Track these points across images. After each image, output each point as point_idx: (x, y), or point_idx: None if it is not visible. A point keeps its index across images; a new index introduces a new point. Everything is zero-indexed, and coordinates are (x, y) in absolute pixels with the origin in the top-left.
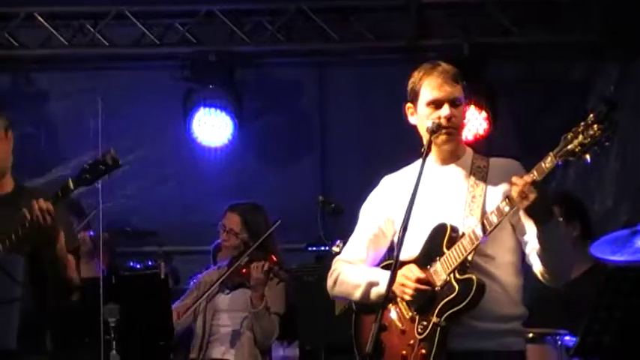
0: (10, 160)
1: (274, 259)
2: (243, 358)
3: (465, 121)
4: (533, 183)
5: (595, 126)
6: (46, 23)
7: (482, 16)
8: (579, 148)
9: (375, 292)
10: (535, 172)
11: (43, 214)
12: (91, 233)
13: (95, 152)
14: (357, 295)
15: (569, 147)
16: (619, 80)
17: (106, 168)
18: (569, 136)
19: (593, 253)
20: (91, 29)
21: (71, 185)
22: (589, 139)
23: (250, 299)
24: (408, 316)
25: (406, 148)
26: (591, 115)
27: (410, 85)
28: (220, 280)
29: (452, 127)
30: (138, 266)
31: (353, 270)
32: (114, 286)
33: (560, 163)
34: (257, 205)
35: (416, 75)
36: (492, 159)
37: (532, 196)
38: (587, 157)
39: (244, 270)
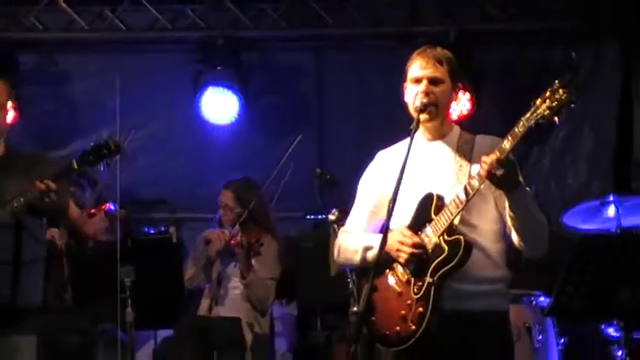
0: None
1: (253, 233)
2: (246, 317)
3: (453, 103)
4: (499, 161)
5: (560, 91)
6: (68, 9)
7: (469, 4)
8: (548, 111)
9: (370, 255)
10: (509, 137)
11: (46, 194)
12: (111, 208)
13: (113, 127)
14: (357, 259)
15: (539, 111)
16: (593, 65)
17: (109, 152)
18: (537, 102)
19: (566, 222)
20: (110, 14)
21: (75, 165)
22: (556, 103)
23: (240, 273)
24: (404, 279)
25: (397, 125)
26: (556, 81)
27: (407, 67)
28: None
29: (430, 104)
30: (151, 231)
31: (352, 238)
32: (129, 249)
33: (532, 125)
34: (250, 180)
35: (410, 58)
36: (478, 135)
37: (499, 172)
38: (556, 119)
39: (233, 241)
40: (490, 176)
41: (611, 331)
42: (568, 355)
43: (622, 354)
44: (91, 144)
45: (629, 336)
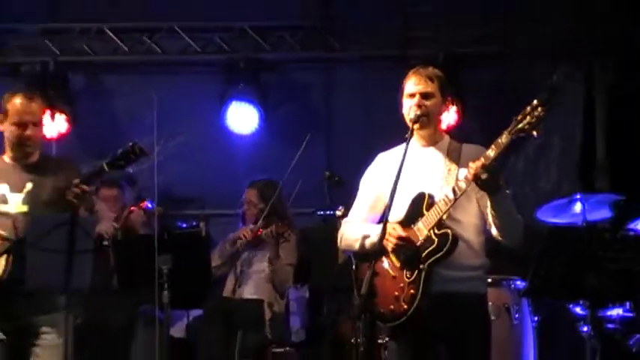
0: None
1: (280, 224)
2: (267, 298)
3: (444, 114)
4: (484, 166)
5: (539, 108)
6: (113, 36)
7: (456, 31)
8: (528, 126)
9: (368, 242)
10: (494, 147)
11: (80, 195)
12: (149, 206)
13: (150, 138)
14: (357, 246)
15: (520, 126)
16: (563, 85)
17: (136, 157)
18: (519, 118)
19: (539, 217)
20: (148, 40)
21: (106, 168)
22: (535, 119)
23: (268, 259)
24: (397, 265)
25: (394, 133)
26: (535, 100)
27: (403, 84)
28: (244, 241)
29: (422, 115)
30: (184, 226)
31: (352, 228)
32: (166, 241)
33: (514, 137)
34: (272, 180)
35: (405, 77)
36: (465, 144)
37: (484, 176)
38: (535, 133)
39: (260, 232)
40: (476, 179)
41: (578, 310)
42: (541, 330)
43: (587, 329)
44: (120, 150)
45: (594, 314)
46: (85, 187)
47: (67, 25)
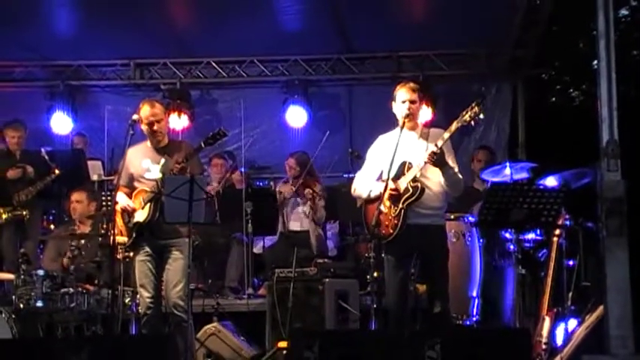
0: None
1: (314, 186)
2: (312, 230)
3: (420, 112)
4: (434, 154)
5: (476, 108)
6: (216, 66)
7: (428, 61)
8: (468, 119)
9: (372, 194)
10: (447, 131)
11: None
12: (241, 170)
13: (239, 129)
14: (364, 195)
15: (464, 118)
16: (496, 93)
17: (221, 137)
18: (464, 113)
19: (483, 177)
20: (238, 68)
21: (203, 145)
22: (473, 114)
23: (310, 206)
24: (388, 205)
25: (388, 125)
26: (473, 103)
27: (394, 93)
28: (292, 193)
29: (410, 113)
30: (260, 183)
31: (362, 182)
32: (250, 193)
33: (459, 126)
34: (305, 152)
35: (396, 88)
36: (432, 129)
37: (434, 159)
38: (472, 123)
39: (301, 188)
40: (430, 161)
41: (507, 235)
42: (485, 249)
43: (514, 247)
44: (211, 133)
45: (517, 237)
46: (178, 165)
47: (187, 60)
